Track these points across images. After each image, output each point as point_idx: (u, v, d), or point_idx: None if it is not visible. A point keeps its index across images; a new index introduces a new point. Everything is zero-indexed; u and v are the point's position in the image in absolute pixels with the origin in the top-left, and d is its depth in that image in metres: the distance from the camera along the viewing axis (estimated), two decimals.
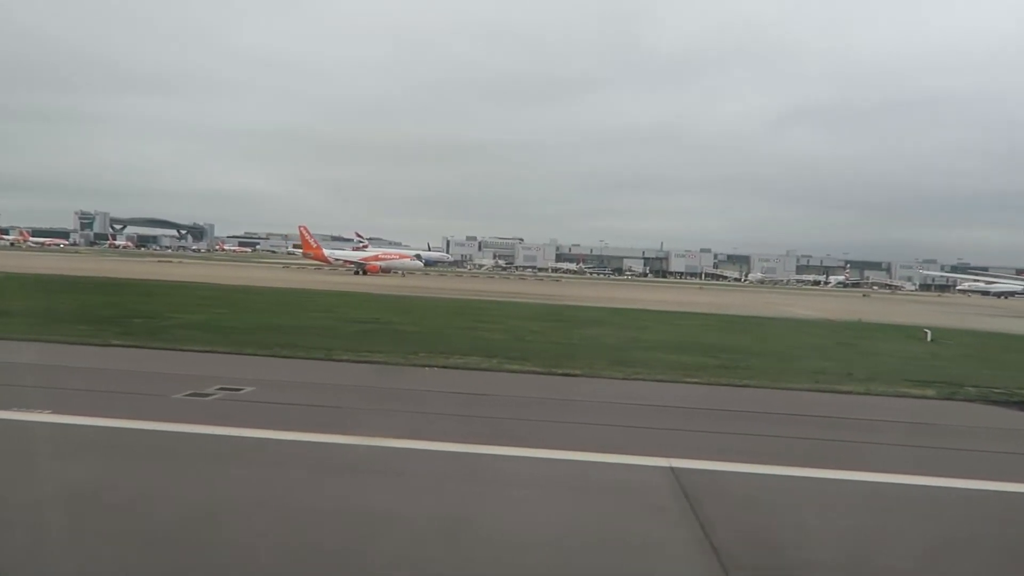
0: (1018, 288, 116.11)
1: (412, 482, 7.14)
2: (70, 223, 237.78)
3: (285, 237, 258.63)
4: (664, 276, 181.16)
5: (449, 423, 9.81)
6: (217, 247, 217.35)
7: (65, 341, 15.29)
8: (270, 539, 5.57)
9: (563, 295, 53.22)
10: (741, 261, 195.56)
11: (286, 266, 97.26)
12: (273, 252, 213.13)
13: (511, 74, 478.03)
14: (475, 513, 6.37)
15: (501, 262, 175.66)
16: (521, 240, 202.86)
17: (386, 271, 77.44)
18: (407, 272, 78.60)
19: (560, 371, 14.34)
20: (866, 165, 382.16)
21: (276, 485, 6.84)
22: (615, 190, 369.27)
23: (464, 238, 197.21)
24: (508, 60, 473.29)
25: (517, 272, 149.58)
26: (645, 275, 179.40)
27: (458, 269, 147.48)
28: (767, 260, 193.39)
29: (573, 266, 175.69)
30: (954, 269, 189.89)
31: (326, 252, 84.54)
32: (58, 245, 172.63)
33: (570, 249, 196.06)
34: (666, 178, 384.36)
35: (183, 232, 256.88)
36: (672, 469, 7.48)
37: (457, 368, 14.43)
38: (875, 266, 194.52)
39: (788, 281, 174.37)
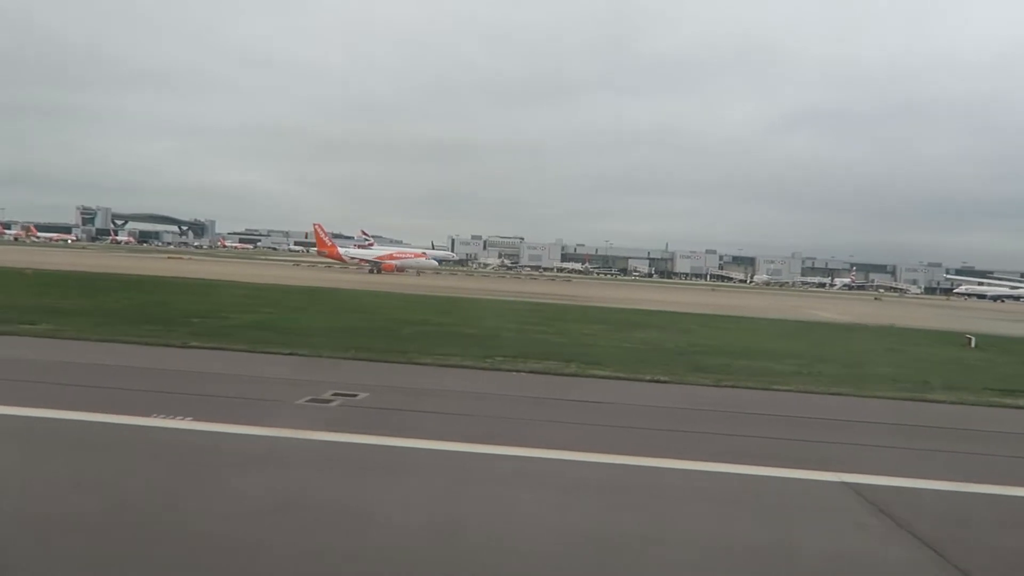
0: (1011, 292, 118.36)
1: (572, 495, 6.93)
2: (72, 218, 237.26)
3: (286, 234, 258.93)
4: (669, 277, 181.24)
5: (583, 431, 9.67)
6: (219, 244, 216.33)
7: (143, 342, 15.10)
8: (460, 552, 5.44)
9: (585, 296, 53.04)
10: (746, 263, 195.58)
11: (297, 264, 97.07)
12: (274, 249, 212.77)
13: (514, 75, 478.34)
14: (656, 528, 6.17)
15: (507, 261, 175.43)
16: (522, 239, 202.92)
17: (400, 270, 77.28)
18: (421, 271, 78.42)
19: (648, 377, 14.16)
20: (869, 168, 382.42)
21: (435, 494, 6.72)
22: (615, 192, 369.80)
23: (469, 237, 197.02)
24: (511, 61, 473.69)
25: (524, 272, 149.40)
26: (650, 276, 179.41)
27: (464, 268, 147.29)
28: (772, 262, 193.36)
29: (578, 266, 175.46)
30: (959, 272, 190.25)
31: (341, 251, 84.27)
32: (65, 241, 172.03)
33: (575, 249, 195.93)
34: (668, 180, 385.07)
35: (184, 228, 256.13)
36: (847, 484, 7.33)
37: (545, 373, 14.27)
38: (880, 268, 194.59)
39: (794, 283, 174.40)
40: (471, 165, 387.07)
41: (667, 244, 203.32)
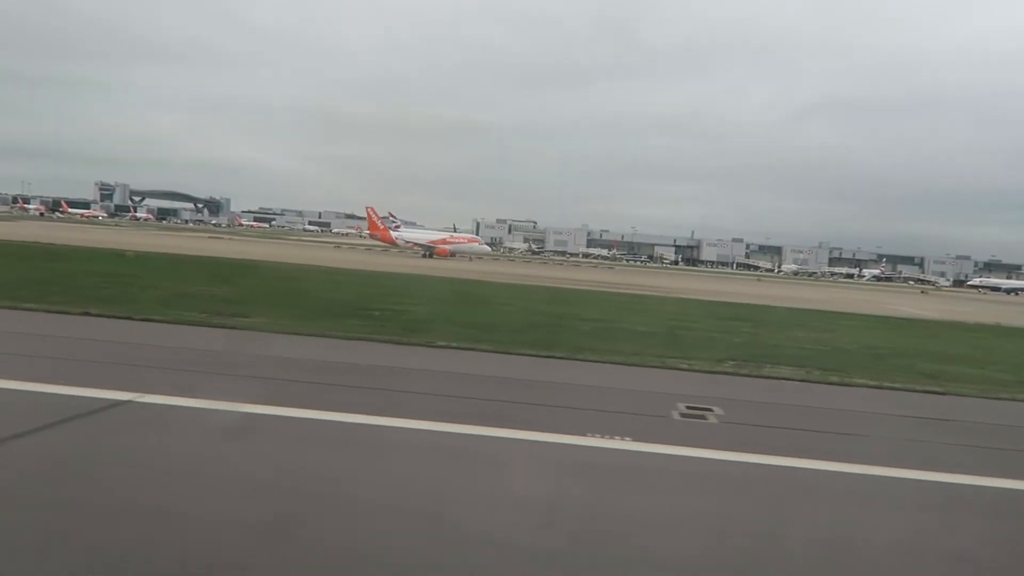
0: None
1: None
2: (89, 193, 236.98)
3: (299, 213, 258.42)
4: (694, 264, 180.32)
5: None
6: (236, 222, 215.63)
7: (392, 341, 14.46)
8: None
9: (652, 285, 52.16)
10: (772, 252, 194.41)
11: (337, 246, 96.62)
12: (290, 228, 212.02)
13: (533, 59, 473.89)
14: None
15: (533, 246, 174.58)
16: (535, 223, 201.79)
17: (452, 255, 76.72)
18: (474, 256, 77.84)
19: (919, 388, 13.58)
20: (895, 158, 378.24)
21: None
22: (631, 177, 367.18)
23: (494, 221, 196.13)
24: (530, 45, 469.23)
25: (554, 257, 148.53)
26: (676, 263, 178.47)
27: (492, 252, 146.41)
28: (800, 251, 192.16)
29: (604, 252, 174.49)
30: (987, 266, 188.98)
31: (394, 234, 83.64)
32: (96, 217, 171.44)
33: (601, 235, 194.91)
34: (686, 167, 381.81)
35: (200, 206, 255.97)
36: None
37: (815, 382, 13.65)
38: (907, 260, 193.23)
39: (822, 273, 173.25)
40: (487, 148, 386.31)
41: (692, 232, 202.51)
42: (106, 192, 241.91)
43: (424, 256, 74.56)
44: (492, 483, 6.87)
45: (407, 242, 79.68)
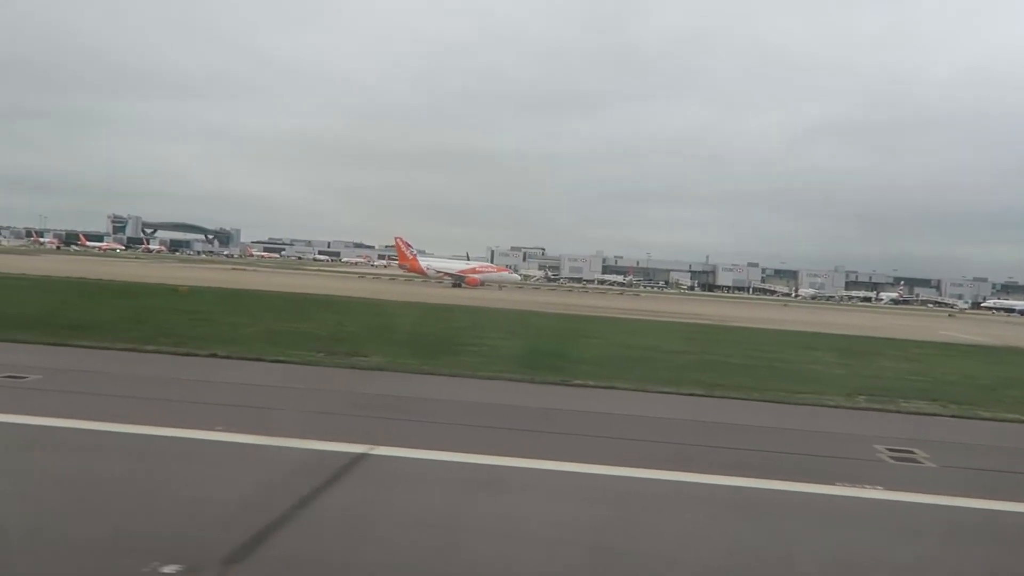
0: None
1: None
2: (102, 226, 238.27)
3: (308, 243, 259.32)
4: (710, 290, 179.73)
5: None
6: (247, 253, 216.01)
7: (540, 381, 14.29)
8: None
9: (692, 312, 51.83)
10: (788, 276, 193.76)
11: (361, 276, 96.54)
12: (300, 258, 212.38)
13: (540, 86, 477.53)
14: None
15: (549, 273, 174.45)
16: (543, 250, 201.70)
17: (481, 283, 76.49)
18: (503, 285, 77.63)
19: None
20: (908, 181, 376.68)
21: None
22: (640, 201, 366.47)
23: (508, 248, 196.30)
24: (535, 72, 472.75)
25: (575, 284, 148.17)
26: (692, 288, 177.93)
27: (520, 282, 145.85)
28: (816, 275, 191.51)
29: (620, 278, 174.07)
30: (1004, 287, 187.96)
31: (422, 264, 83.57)
32: (114, 250, 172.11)
33: (615, 261, 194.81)
34: (693, 191, 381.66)
35: (210, 237, 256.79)
36: None
37: (954, 417, 13.39)
38: (924, 283, 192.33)
39: (840, 297, 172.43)
40: (494, 174, 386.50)
41: (707, 256, 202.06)
42: (119, 224, 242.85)
43: (454, 285, 74.38)
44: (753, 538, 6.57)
45: (438, 272, 79.52)
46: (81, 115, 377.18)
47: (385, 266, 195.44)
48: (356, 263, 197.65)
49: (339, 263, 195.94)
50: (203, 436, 8.37)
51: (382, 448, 8.19)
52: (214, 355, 14.85)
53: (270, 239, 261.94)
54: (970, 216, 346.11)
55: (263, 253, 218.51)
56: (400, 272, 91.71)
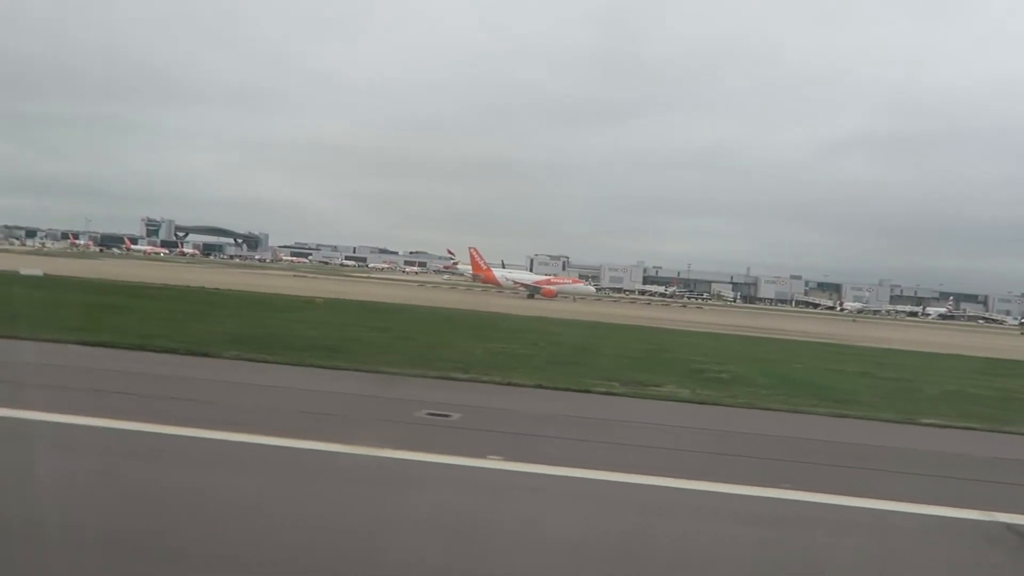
0: None
1: None
2: (135, 229, 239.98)
3: (334, 248, 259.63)
4: (752, 302, 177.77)
5: None
6: (277, 257, 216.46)
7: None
8: None
9: (779, 328, 50.81)
10: (831, 289, 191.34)
11: (421, 284, 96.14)
12: (326, 263, 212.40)
13: (567, 97, 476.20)
14: None
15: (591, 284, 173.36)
16: (562, 259, 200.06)
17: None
18: (578, 297, 76.84)
19: None
20: (943, 192, 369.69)
21: None
22: (657, 212, 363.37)
23: (548, 257, 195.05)
24: (565, 84, 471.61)
25: (622, 295, 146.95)
26: (734, 301, 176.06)
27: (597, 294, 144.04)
28: (860, 288, 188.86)
29: (662, 289, 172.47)
30: None
31: (497, 274, 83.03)
32: (158, 254, 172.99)
33: (656, 272, 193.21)
34: (714, 201, 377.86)
35: (239, 241, 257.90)
36: None
37: None
38: (971, 298, 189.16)
39: (887, 312, 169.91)
40: (520, 184, 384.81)
41: (748, 268, 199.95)
42: (152, 228, 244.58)
43: (528, 296, 73.68)
44: None
45: (515, 283, 78.84)
46: (110, 121, 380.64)
47: (417, 272, 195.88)
48: (383, 268, 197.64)
49: (366, 268, 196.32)
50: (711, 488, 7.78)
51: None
52: (540, 386, 14.27)
53: (296, 243, 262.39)
54: (1015, 230, 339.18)
55: (292, 258, 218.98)
56: (450, 279, 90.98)
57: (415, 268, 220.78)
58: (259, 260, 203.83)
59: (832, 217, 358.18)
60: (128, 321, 20.33)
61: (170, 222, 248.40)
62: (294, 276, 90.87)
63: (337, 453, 8.24)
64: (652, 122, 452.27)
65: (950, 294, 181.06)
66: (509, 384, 14.21)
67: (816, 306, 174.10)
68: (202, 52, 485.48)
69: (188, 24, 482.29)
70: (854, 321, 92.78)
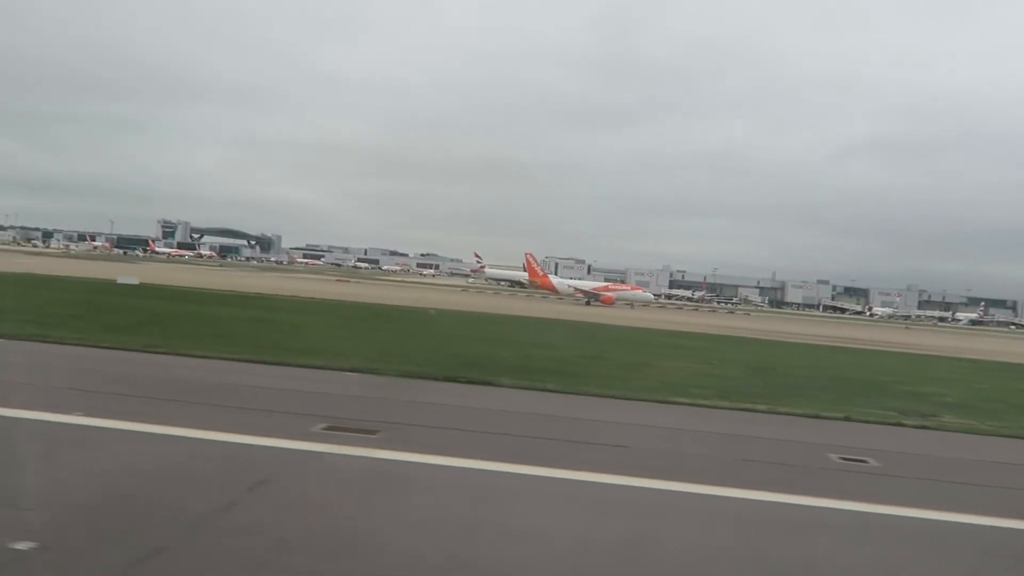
0: None
1: None
2: (150, 231, 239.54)
3: (345, 250, 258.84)
4: (779, 306, 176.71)
5: None
6: (291, 260, 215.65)
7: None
8: None
9: (868, 339, 49.91)
10: (859, 294, 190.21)
11: (464, 288, 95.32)
12: (338, 265, 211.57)
13: (581, 99, 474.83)
14: None
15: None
16: (586, 262, 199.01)
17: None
18: (636, 303, 76.02)
19: None
20: (971, 198, 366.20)
21: None
22: (667, 215, 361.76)
23: (573, 261, 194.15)
24: (574, 85, 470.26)
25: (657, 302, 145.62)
26: (761, 305, 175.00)
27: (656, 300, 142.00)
28: (887, 294, 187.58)
29: (689, 293, 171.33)
30: None
31: (554, 281, 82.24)
32: (182, 256, 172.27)
33: (682, 276, 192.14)
34: (727, 203, 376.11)
35: (252, 243, 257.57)
36: None
37: None
38: (998, 303, 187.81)
39: (917, 317, 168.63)
40: (530, 185, 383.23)
41: (774, 273, 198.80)
42: (168, 230, 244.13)
43: (586, 303, 72.87)
44: None
45: (575, 289, 78.01)
46: (121, 122, 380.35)
47: (433, 275, 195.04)
48: (395, 271, 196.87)
49: (381, 270, 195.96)
50: None
51: None
52: (847, 418, 13.41)
53: (307, 245, 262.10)
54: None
55: (307, 260, 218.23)
56: (474, 282, 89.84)
57: (431, 271, 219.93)
58: (276, 262, 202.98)
59: (856, 221, 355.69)
60: (321, 340, 19.65)
61: (185, 224, 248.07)
62: (337, 281, 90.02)
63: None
64: (662, 124, 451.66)
65: (980, 299, 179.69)
66: (817, 417, 13.40)
67: (844, 311, 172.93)
68: (207, 52, 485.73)
69: (194, 23, 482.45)
70: (907, 328, 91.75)
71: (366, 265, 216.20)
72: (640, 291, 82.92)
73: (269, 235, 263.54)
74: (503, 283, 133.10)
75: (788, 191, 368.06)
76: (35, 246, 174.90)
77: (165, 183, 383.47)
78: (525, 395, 13.71)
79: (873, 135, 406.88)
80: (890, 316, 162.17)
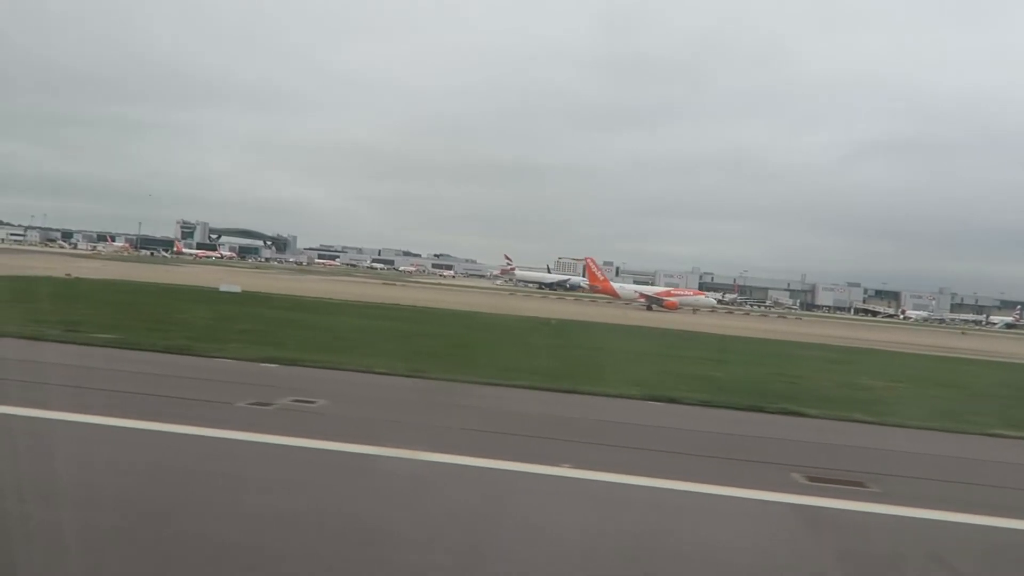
0: None
1: None
2: (169, 231, 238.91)
3: (359, 251, 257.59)
4: (809, 309, 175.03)
5: None
6: (309, 260, 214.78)
7: None
8: None
9: (916, 343, 48.56)
10: (890, 297, 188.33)
11: (512, 292, 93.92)
12: (353, 266, 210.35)
13: (595, 102, 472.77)
14: None
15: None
16: (614, 264, 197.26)
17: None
18: (698, 309, 74.75)
19: None
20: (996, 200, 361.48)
21: None
22: (673, 215, 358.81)
23: (601, 263, 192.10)
24: (590, 86, 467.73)
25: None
26: (792, 308, 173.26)
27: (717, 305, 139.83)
28: (919, 296, 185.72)
29: (719, 296, 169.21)
30: None
31: (615, 286, 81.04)
32: (209, 257, 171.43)
33: (711, 278, 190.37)
34: (748, 205, 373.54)
35: (268, 243, 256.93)
36: None
37: None
38: None
39: (951, 320, 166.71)
40: (538, 186, 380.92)
41: (803, 275, 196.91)
42: (187, 230, 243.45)
43: (647, 308, 71.64)
44: None
45: (639, 295, 76.78)
46: (136, 124, 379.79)
47: (453, 276, 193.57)
48: (411, 272, 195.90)
49: (397, 271, 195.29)
50: None
51: None
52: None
53: (321, 246, 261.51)
54: None
55: (322, 261, 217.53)
56: (502, 284, 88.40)
57: (450, 272, 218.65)
58: (295, 263, 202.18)
59: (892, 224, 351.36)
60: (549, 360, 18.31)
61: (204, 224, 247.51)
62: (383, 284, 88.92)
63: None
64: (679, 126, 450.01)
65: (1014, 303, 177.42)
66: None
67: (876, 314, 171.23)
68: (224, 55, 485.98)
69: (212, 28, 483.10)
70: (963, 334, 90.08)
71: (381, 266, 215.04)
72: (702, 296, 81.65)
73: (285, 236, 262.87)
74: (531, 285, 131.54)
75: (808, 193, 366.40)
76: (61, 247, 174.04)
77: (181, 184, 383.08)
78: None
79: (902, 135, 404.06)
80: (924, 319, 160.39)
